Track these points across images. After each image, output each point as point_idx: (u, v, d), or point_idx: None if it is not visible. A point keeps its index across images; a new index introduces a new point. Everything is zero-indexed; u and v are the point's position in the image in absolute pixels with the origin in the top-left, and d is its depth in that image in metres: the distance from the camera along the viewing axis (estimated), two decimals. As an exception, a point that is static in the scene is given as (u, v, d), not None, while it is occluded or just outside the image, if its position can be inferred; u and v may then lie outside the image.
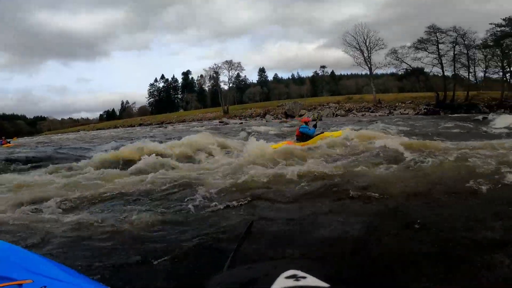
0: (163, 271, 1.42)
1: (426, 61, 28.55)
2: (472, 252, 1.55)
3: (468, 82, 28.12)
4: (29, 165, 5.14)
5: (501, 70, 25.43)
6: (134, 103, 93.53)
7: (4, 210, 2.34)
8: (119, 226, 1.94)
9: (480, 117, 13.99)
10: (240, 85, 79.91)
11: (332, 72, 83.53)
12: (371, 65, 33.33)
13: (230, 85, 50.22)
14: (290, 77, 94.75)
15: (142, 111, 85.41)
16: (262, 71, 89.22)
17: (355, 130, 7.06)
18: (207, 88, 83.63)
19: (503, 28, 23.29)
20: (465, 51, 25.99)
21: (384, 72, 40.38)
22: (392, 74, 40.61)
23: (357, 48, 32.81)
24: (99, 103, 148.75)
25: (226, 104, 45.56)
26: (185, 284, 1.40)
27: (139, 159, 4.33)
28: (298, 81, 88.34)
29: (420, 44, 28.10)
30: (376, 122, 12.24)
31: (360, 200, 2.35)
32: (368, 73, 35.62)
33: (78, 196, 2.67)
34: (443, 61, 27.59)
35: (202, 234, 1.74)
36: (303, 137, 6.34)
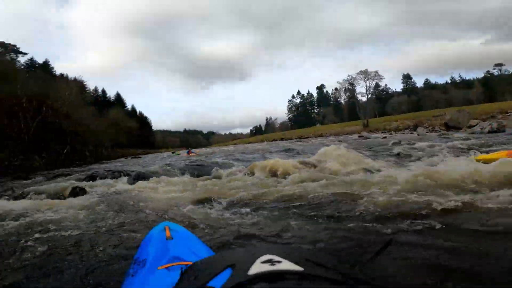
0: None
1: None
2: None
3: None
4: (200, 170, 6.53)
5: None
6: (276, 118, 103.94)
7: (184, 204, 3.08)
8: (269, 229, 2.13)
9: None
10: (381, 95, 73.01)
11: (517, 68, 62.02)
12: None
13: (369, 96, 46.47)
14: (449, 81, 77.55)
15: (283, 126, 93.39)
16: (407, 77, 78.06)
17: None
18: (343, 101, 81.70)
19: None
20: None
21: None
22: None
23: None
24: (249, 119, 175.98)
25: (365, 117, 42.67)
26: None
27: (287, 173, 4.68)
28: (461, 85, 70.92)
29: None
30: None
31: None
32: None
33: (239, 196, 3.17)
34: None
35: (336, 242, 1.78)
36: None
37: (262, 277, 0.29)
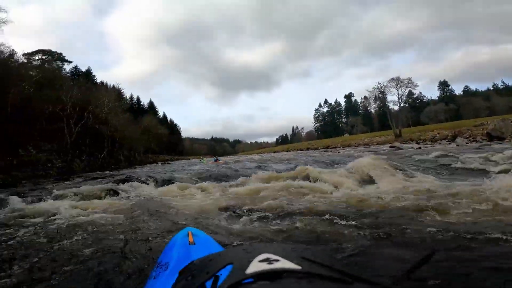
0: None
1: None
2: None
3: None
4: (226, 177, 6.57)
5: None
6: (302, 128, 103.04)
7: (209, 210, 3.13)
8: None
9: None
10: (415, 103, 69.45)
11: None
12: None
13: (401, 104, 44.01)
14: (491, 88, 71.87)
15: (309, 135, 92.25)
16: (444, 84, 73.61)
17: None
18: (373, 110, 78.87)
19: None
20: None
21: None
22: None
23: None
24: (275, 128, 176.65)
25: (398, 127, 40.68)
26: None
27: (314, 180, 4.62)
28: (504, 91, 65.36)
29: None
30: None
31: None
32: None
33: (264, 204, 3.13)
34: None
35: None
36: None
37: (260, 275, 0.29)
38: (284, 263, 0.31)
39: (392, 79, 42.52)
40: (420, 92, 71.81)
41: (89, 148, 21.47)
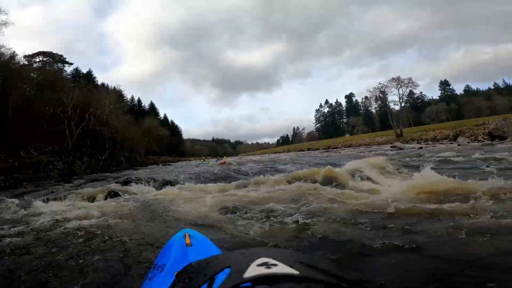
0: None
1: None
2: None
3: None
4: (228, 178, 6.50)
5: None
6: (303, 128, 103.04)
7: (208, 211, 3.10)
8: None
9: None
10: (416, 103, 69.36)
11: None
12: None
13: (402, 104, 43.82)
14: (492, 87, 71.69)
15: (310, 136, 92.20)
16: (445, 84, 73.48)
17: None
18: (374, 110, 78.78)
19: None
20: None
21: None
22: None
23: None
24: (276, 128, 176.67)
25: (399, 127, 40.61)
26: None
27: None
28: (505, 91, 65.18)
29: None
30: None
31: None
32: None
33: (264, 206, 3.11)
34: None
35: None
36: None
37: (257, 280, 0.29)
38: (282, 268, 0.31)
39: (393, 79, 42.43)
40: (421, 92, 71.82)
41: (90, 149, 21.53)
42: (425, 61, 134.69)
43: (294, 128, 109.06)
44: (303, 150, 44.68)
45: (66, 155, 18.04)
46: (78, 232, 2.47)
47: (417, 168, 5.89)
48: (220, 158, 21.43)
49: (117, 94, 34.02)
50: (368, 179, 4.73)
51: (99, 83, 44.62)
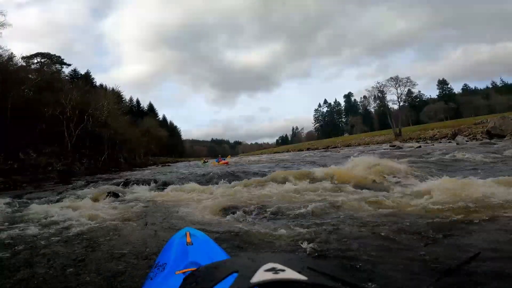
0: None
1: None
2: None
3: None
4: (228, 177, 6.41)
5: None
6: (302, 128, 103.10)
7: (208, 211, 3.11)
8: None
9: None
10: (414, 102, 69.43)
11: None
12: None
13: (401, 103, 43.87)
14: (490, 86, 71.91)
15: (309, 136, 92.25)
16: (443, 83, 73.67)
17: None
18: (372, 110, 78.81)
19: None
20: None
21: None
22: None
23: None
24: (275, 128, 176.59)
25: (397, 126, 40.69)
26: None
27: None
28: (503, 89, 65.36)
29: None
30: None
31: None
32: None
33: (263, 205, 3.13)
34: None
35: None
36: None
37: (265, 285, 0.29)
38: (290, 273, 0.30)
39: (391, 78, 42.48)
40: (420, 91, 71.71)
41: (89, 151, 21.51)
42: (423, 61, 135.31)
43: (293, 128, 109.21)
44: (302, 150, 44.68)
45: (65, 156, 18.01)
46: (78, 233, 2.48)
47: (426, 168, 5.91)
48: (223, 158, 19.23)
49: (116, 95, 33.98)
50: (369, 180, 4.64)
51: (98, 84, 44.49)
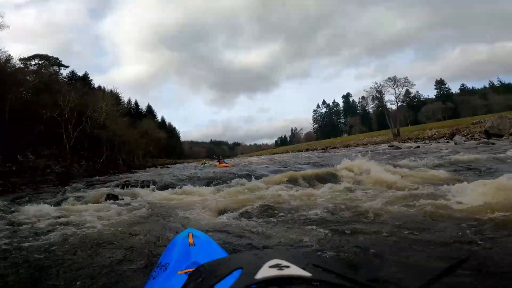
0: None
1: None
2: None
3: None
4: (226, 179, 6.44)
5: None
6: (301, 129, 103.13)
7: (209, 212, 3.10)
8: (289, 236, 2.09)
9: None
10: (412, 103, 69.65)
11: None
12: None
13: (399, 104, 43.99)
14: (487, 86, 72.30)
15: (308, 136, 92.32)
16: (440, 83, 73.96)
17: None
18: (371, 110, 78.98)
19: None
20: None
21: None
22: None
23: None
24: (274, 129, 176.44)
25: (396, 126, 40.81)
26: None
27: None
28: (501, 89, 65.73)
29: None
30: None
31: None
32: None
33: (263, 206, 3.13)
34: None
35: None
36: None
37: (269, 281, 0.29)
38: (294, 270, 0.30)
39: (389, 78, 42.63)
40: (417, 91, 72.04)
41: (88, 153, 21.43)
42: (422, 61, 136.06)
43: (292, 129, 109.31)
44: (301, 151, 44.71)
45: (63, 158, 17.94)
46: (79, 234, 2.47)
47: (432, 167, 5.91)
48: (220, 159, 19.17)
49: (114, 96, 33.89)
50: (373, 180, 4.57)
51: (96, 85, 44.38)
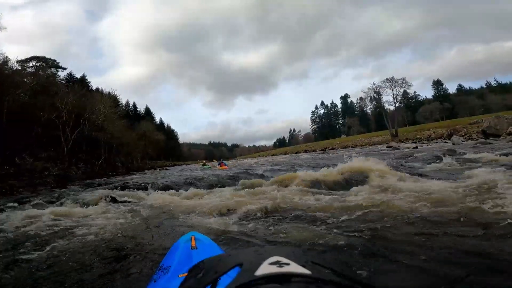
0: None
1: None
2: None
3: None
4: (226, 181, 6.51)
5: None
6: (300, 130, 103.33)
7: (209, 215, 3.09)
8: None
9: None
10: (410, 103, 69.92)
11: None
12: None
13: (396, 104, 44.14)
14: (484, 86, 72.77)
15: (307, 137, 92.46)
16: (438, 83, 74.33)
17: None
18: (369, 111, 79.29)
19: None
20: None
21: None
22: None
23: None
24: (273, 131, 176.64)
25: (394, 126, 40.94)
26: None
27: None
28: (498, 89, 66.17)
29: None
30: None
31: None
32: None
33: (266, 207, 3.12)
34: None
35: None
36: None
37: (269, 278, 0.29)
38: (294, 267, 0.30)
39: (387, 79, 42.79)
40: (415, 92, 72.41)
41: (86, 155, 21.34)
42: (419, 61, 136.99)
43: (290, 130, 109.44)
44: (300, 152, 44.78)
45: (61, 161, 17.85)
46: (78, 237, 2.45)
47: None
48: (221, 162, 18.94)
49: (112, 98, 33.77)
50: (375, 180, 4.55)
51: (94, 87, 44.27)
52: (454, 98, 66.98)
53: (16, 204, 4.90)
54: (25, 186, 9.48)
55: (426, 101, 70.60)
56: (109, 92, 38.05)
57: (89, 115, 23.04)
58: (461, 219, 2.10)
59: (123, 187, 6.53)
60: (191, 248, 1.04)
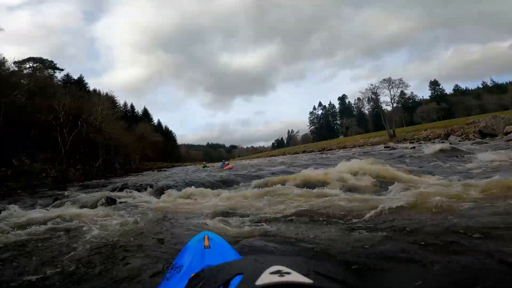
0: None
1: None
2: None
3: None
4: (226, 182, 6.52)
5: None
6: (298, 131, 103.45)
7: (211, 215, 3.06)
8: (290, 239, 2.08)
9: None
10: (407, 103, 70.28)
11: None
12: None
13: (394, 105, 44.28)
14: (481, 86, 73.31)
15: (305, 138, 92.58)
16: (434, 84, 74.80)
17: None
18: (367, 111, 79.61)
19: None
20: None
21: None
22: None
23: None
24: (271, 132, 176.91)
25: (391, 127, 41.10)
26: None
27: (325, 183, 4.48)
28: (494, 89, 66.67)
29: None
30: None
31: None
32: None
33: (273, 208, 3.10)
34: None
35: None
36: None
37: None
38: (295, 276, 0.30)
39: (384, 80, 42.93)
40: (412, 92, 72.82)
41: (84, 156, 21.21)
42: (416, 62, 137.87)
43: (289, 131, 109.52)
44: (298, 153, 44.79)
45: (59, 162, 17.75)
46: (79, 238, 2.44)
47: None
48: (226, 163, 18.77)
49: (110, 100, 33.64)
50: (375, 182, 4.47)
51: (91, 89, 44.06)
52: (451, 99, 67.42)
53: (15, 206, 4.86)
54: (23, 188, 9.41)
55: (423, 102, 71.02)
56: (106, 94, 37.88)
57: (87, 116, 22.93)
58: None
59: (121, 189, 6.50)
60: (204, 248, 1.04)
